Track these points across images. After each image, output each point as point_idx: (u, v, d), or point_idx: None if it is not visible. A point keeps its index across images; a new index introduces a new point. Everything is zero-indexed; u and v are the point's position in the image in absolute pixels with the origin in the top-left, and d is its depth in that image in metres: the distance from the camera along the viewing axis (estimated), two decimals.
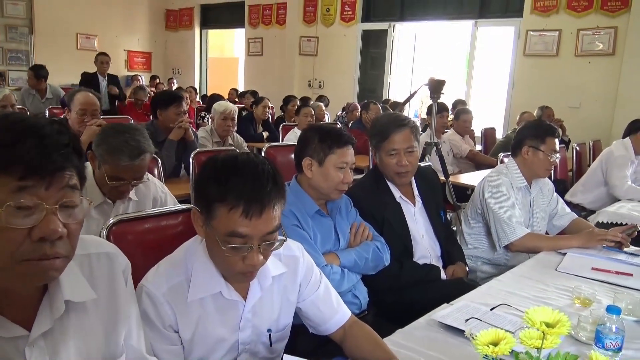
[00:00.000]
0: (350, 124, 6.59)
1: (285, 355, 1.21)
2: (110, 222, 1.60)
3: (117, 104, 7.10)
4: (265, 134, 5.81)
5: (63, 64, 10.57)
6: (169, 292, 1.28)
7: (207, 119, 6.24)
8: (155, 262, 1.35)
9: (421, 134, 5.19)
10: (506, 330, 1.42)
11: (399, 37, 8.99)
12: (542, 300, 1.83)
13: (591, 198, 4.12)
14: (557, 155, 2.59)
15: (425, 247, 2.31)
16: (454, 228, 3.00)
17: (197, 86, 11.14)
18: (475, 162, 5.23)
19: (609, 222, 3.25)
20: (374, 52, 9.22)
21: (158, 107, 3.59)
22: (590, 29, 6.70)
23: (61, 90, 6.83)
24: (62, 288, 0.93)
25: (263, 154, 3.50)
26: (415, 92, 4.30)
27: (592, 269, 2.12)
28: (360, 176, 2.47)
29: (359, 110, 6.58)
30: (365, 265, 2.00)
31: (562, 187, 4.20)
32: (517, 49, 7.35)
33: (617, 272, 2.08)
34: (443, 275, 2.28)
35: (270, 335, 1.43)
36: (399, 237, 2.21)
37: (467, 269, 2.42)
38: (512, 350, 0.91)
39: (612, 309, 1.36)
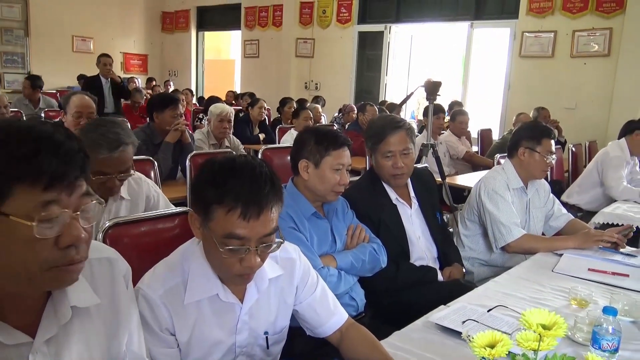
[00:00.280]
0: (346, 126, 6.60)
1: None
2: (107, 224, 1.59)
3: (122, 103, 6.86)
4: (261, 136, 5.80)
5: (59, 67, 10.58)
6: (165, 294, 1.28)
7: (205, 121, 6.23)
8: (151, 265, 1.35)
9: (417, 135, 5.22)
10: (503, 332, 1.42)
11: (395, 38, 9.00)
12: (539, 301, 1.83)
13: (587, 199, 4.13)
14: (553, 156, 2.59)
15: (422, 249, 2.31)
16: (451, 229, 3.00)
17: (193, 88, 11.14)
18: (471, 164, 5.24)
19: (605, 223, 3.25)
20: (370, 53, 9.23)
21: (154, 109, 3.58)
22: (586, 30, 6.73)
23: (54, 100, 6.82)
24: (67, 293, 0.92)
25: (259, 156, 3.50)
26: (412, 93, 4.30)
27: (589, 269, 2.12)
28: (357, 178, 2.47)
29: (356, 111, 6.59)
30: (362, 267, 2.00)
31: (558, 188, 4.21)
32: (513, 50, 7.37)
33: (613, 273, 2.09)
34: (440, 277, 2.28)
35: (267, 337, 1.43)
36: (395, 239, 2.21)
37: (464, 270, 2.42)
38: (509, 352, 0.91)
39: (608, 310, 1.37)
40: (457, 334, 1.51)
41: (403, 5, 8.76)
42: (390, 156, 2.22)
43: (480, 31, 7.95)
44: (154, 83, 10.40)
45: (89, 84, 6.42)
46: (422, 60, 9.49)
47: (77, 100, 3.17)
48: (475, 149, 5.88)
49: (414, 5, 8.66)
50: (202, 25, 12.11)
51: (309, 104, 7.11)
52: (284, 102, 6.77)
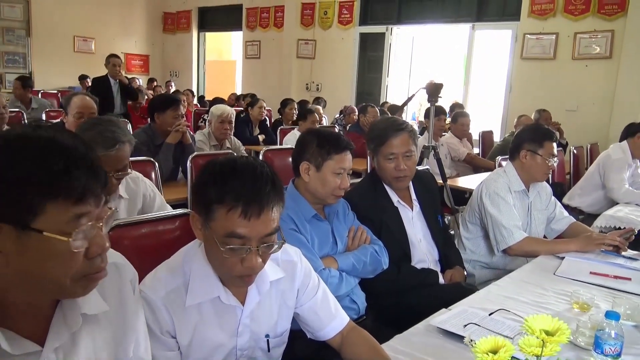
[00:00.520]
0: (347, 127, 6.59)
1: None
2: None
3: (128, 105, 6.70)
4: (261, 137, 5.79)
5: (60, 67, 10.60)
6: (166, 297, 1.27)
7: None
8: (152, 267, 1.34)
9: (419, 137, 5.21)
10: (505, 336, 1.41)
11: (397, 40, 9.00)
12: (541, 305, 1.82)
13: (589, 201, 4.12)
14: (555, 159, 2.58)
15: (423, 252, 2.30)
16: (452, 232, 3.00)
17: (194, 89, 11.14)
18: (473, 166, 5.23)
19: (607, 226, 3.25)
20: (371, 55, 9.23)
21: (155, 110, 3.58)
22: (587, 33, 6.72)
23: (46, 100, 6.78)
24: (77, 301, 0.92)
25: (261, 157, 3.49)
26: (414, 95, 4.29)
27: (591, 273, 2.12)
28: (358, 180, 2.46)
29: (357, 113, 6.59)
30: (363, 268, 1.99)
31: (559, 191, 4.20)
32: (515, 52, 7.37)
33: (615, 277, 2.08)
34: (441, 280, 2.27)
35: (268, 340, 1.42)
36: (396, 242, 2.21)
37: (465, 273, 2.41)
38: (512, 358, 0.91)
39: (611, 315, 1.36)
40: (458, 337, 1.50)
41: (404, 6, 8.76)
42: (392, 158, 2.22)
43: (482, 33, 7.95)
44: (155, 84, 10.40)
45: (97, 84, 6.33)
46: (424, 61, 9.50)
47: (78, 100, 3.18)
48: (476, 150, 5.88)
49: (416, 7, 8.66)
50: (204, 26, 12.12)
51: (310, 106, 7.11)
52: (285, 103, 6.76)
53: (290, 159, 2.03)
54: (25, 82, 6.29)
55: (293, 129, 5.35)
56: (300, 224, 1.89)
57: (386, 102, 8.13)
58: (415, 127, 7.25)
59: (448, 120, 5.74)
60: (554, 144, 2.59)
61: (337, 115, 7.73)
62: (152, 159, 2.93)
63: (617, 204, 3.73)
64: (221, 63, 13.15)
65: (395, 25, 8.88)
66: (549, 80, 7.02)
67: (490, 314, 1.68)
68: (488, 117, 8.16)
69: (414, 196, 2.37)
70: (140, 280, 1.28)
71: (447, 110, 6.31)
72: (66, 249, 0.81)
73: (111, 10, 11.42)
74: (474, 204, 2.66)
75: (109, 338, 1.00)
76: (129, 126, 4.73)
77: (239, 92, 10.36)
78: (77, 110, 3.15)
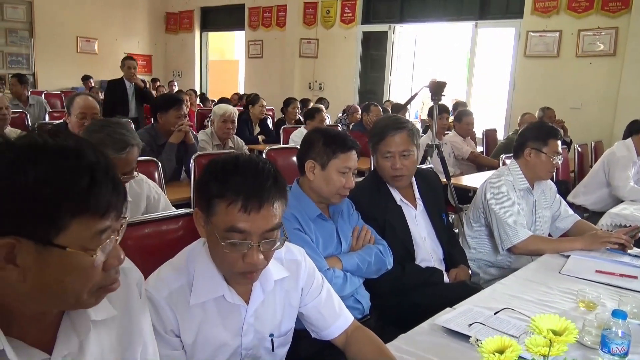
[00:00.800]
0: (351, 126, 6.58)
1: None
2: None
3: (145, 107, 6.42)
4: (261, 137, 5.78)
5: (63, 67, 10.63)
6: (170, 296, 1.27)
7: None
8: (155, 267, 1.34)
9: (422, 135, 5.20)
10: (510, 335, 1.40)
11: (399, 38, 8.99)
12: (546, 303, 1.81)
13: (593, 199, 4.10)
14: (560, 157, 2.57)
15: (427, 250, 2.29)
16: (456, 230, 2.98)
17: (197, 89, 11.15)
18: (476, 164, 5.22)
19: (613, 224, 3.23)
20: (374, 54, 9.21)
21: (158, 110, 3.58)
22: (591, 30, 6.70)
23: (41, 97, 6.74)
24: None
25: (264, 156, 3.49)
26: (417, 94, 4.28)
27: (596, 271, 2.10)
28: (361, 179, 2.45)
29: (360, 112, 6.57)
30: (367, 268, 1.98)
31: (564, 189, 4.19)
32: (518, 50, 7.34)
33: (621, 275, 2.06)
34: (446, 279, 2.26)
35: (272, 340, 1.42)
36: (400, 241, 2.20)
37: (470, 272, 2.40)
38: (519, 357, 0.90)
39: (618, 314, 1.35)
40: (463, 337, 1.50)
41: (407, 5, 8.74)
42: (389, 157, 2.20)
43: (485, 31, 7.93)
44: (158, 84, 10.41)
45: (113, 87, 6.21)
46: (427, 60, 9.48)
47: (81, 101, 3.18)
48: (480, 149, 5.86)
49: (418, 5, 8.64)
50: (206, 26, 12.13)
51: (312, 105, 7.09)
52: (288, 102, 6.76)
53: (294, 158, 2.03)
54: (21, 78, 6.25)
55: (297, 127, 5.34)
56: (305, 224, 1.89)
57: (388, 101, 8.12)
58: (418, 125, 7.27)
59: (451, 118, 5.73)
60: (559, 142, 2.57)
61: (340, 115, 7.73)
62: (155, 159, 2.93)
63: (622, 201, 3.71)
64: (224, 63, 13.16)
65: (397, 24, 8.86)
66: (552, 78, 6.99)
67: (495, 313, 1.67)
68: (491, 116, 8.14)
69: (417, 195, 2.36)
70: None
71: (450, 108, 6.29)
72: (88, 265, 0.81)
73: (114, 11, 11.44)
74: (478, 202, 2.65)
75: (116, 342, 1.00)
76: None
77: (241, 92, 10.36)
78: (80, 110, 3.15)
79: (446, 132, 5.35)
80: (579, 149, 4.98)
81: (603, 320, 1.44)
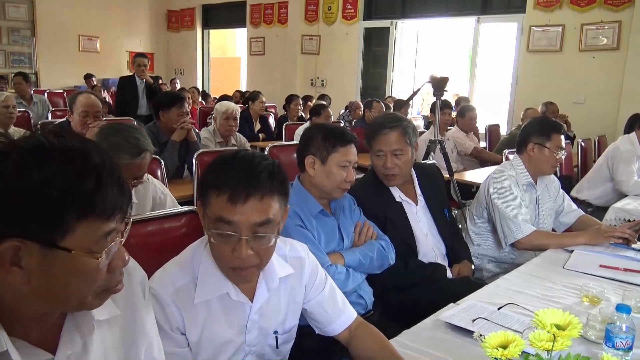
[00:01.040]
0: (353, 123, 6.58)
1: None
2: None
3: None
4: (261, 136, 5.78)
5: (65, 66, 10.64)
6: (175, 293, 1.27)
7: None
8: (159, 265, 1.34)
9: (424, 131, 5.19)
10: (514, 331, 1.40)
11: (402, 34, 8.96)
12: (550, 298, 1.81)
13: (597, 194, 4.09)
14: (563, 152, 2.56)
15: (430, 246, 2.29)
16: (459, 226, 2.98)
17: (199, 86, 11.15)
18: (479, 159, 5.21)
19: (617, 219, 3.22)
20: (376, 50, 9.19)
21: (160, 108, 3.58)
22: (594, 24, 6.66)
23: (43, 96, 6.77)
24: None
25: (266, 153, 3.48)
26: (419, 89, 4.26)
27: (600, 266, 2.10)
28: (362, 175, 2.45)
29: (362, 108, 6.57)
30: (370, 264, 1.98)
31: (567, 184, 4.17)
32: (521, 44, 7.31)
33: (625, 269, 2.06)
34: (449, 274, 2.26)
35: (276, 337, 1.42)
36: (402, 237, 2.19)
37: (473, 267, 2.40)
38: (523, 352, 0.89)
39: (622, 308, 1.34)
40: (467, 332, 1.49)
41: (409, 0, 8.71)
42: (381, 155, 2.19)
43: (487, 26, 7.89)
44: (160, 82, 10.40)
45: (123, 83, 6.21)
46: (429, 55, 9.44)
47: (83, 99, 3.19)
48: (482, 144, 5.85)
49: (420, 1, 8.61)
50: (208, 23, 12.11)
51: (314, 101, 7.09)
52: (290, 99, 6.75)
53: (296, 154, 2.03)
54: (26, 77, 6.31)
55: (299, 124, 5.34)
56: (307, 220, 1.89)
57: (390, 97, 8.10)
58: (421, 122, 7.25)
59: (453, 114, 5.72)
60: (562, 137, 2.56)
61: (343, 111, 7.72)
62: (157, 157, 2.93)
63: (626, 196, 3.69)
64: (226, 60, 13.14)
65: (399, 20, 8.83)
66: (555, 72, 6.96)
67: (499, 308, 1.66)
68: (494, 111, 8.11)
69: (418, 191, 2.35)
70: (148, 278, 1.29)
71: (453, 104, 6.27)
72: (93, 267, 0.80)
73: (115, 9, 11.44)
74: (482, 198, 2.64)
75: (119, 342, 1.00)
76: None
77: (243, 89, 10.35)
78: (83, 108, 3.15)
79: (449, 127, 5.34)
80: (583, 144, 4.96)
81: (607, 315, 1.44)
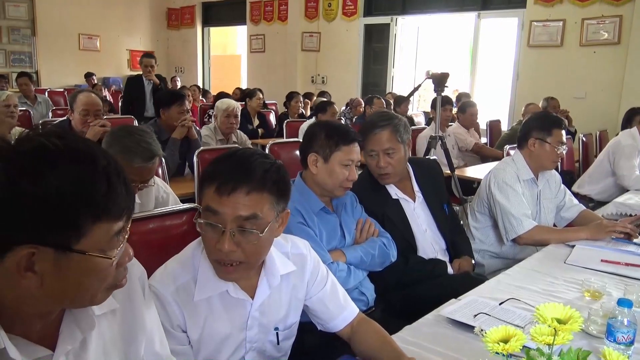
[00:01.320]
0: (354, 119, 6.57)
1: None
2: None
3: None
4: (260, 131, 5.78)
5: (66, 65, 10.64)
6: (176, 291, 1.28)
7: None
8: (159, 263, 1.34)
9: (425, 127, 5.18)
10: (516, 326, 1.40)
11: (402, 30, 8.94)
12: (552, 293, 1.81)
13: (599, 189, 4.08)
14: (564, 146, 2.56)
15: (429, 242, 2.28)
16: (461, 222, 2.97)
17: (200, 84, 11.14)
18: (480, 155, 5.20)
19: (618, 213, 3.21)
20: (376, 46, 9.18)
21: (161, 106, 3.59)
22: (595, 18, 6.64)
23: (45, 96, 6.77)
24: None
25: (267, 151, 3.48)
26: (419, 85, 4.26)
27: (602, 260, 2.10)
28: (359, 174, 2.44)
29: (363, 105, 6.56)
30: (371, 261, 1.98)
31: (569, 179, 4.17)
32: (521, 40, 7.29)
33: (626, 264, 2.06)
34: (450, 270, 2.26)
35: (277, 333, 1.42)
36: (400, 234, 2.18)
37: (474, 262, 2.39)
38: (524, 347, 0.89)
39: (623, 302, 1.35)
40: (468, 327, 1.49)
41: None
42: (373, 155, 2.19)
43: (488, 21, 7.88)
44: (167, 83, 10.38)
45: (130, 84, 6.10)
46: (429, 51, 9.43)
47: (84, 98, 3.18)
48: (484, 140, 5.84)
49: None
50: (208, 21, 12.10)
51: (315, 99, 7.08)
52: (291, 96, 6.75)
53: (298, 152, 2.02)
54: (31, 77, 6.36)
55: (300, 121, 5.34)
56: (308, 217, 1.89)
57: (389, 93, 8.09)
58: (421, 118, 7.24)
59: (454, 110, 5.71)
60: (563, 132, 2.56)
61: (344, 108, 7.71)
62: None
63: (628, 191, 3.69)
64: (226, 58, 13.12)
65: (400, 16, 8.82)
66: (556, 67, 6.94)
67: (500, 304, 1.67)
68: (495, 106, 8.09)
69: (416, 187, 2.34)
70: (149, 276, 1.29)
71: (453, 100, 6.26)
72: (106, 266, 0.82)
73: (115, 8, 11.42)
74: (483, 193, 2.64)
75: (118, 336, 1.00)
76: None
77: (244, 87, 10.34)
78: (83, 107, 3.15)
79: (450, 123, 5.33)
80: (584, 139, 4.95)
81: (608, 310, 1.44)
